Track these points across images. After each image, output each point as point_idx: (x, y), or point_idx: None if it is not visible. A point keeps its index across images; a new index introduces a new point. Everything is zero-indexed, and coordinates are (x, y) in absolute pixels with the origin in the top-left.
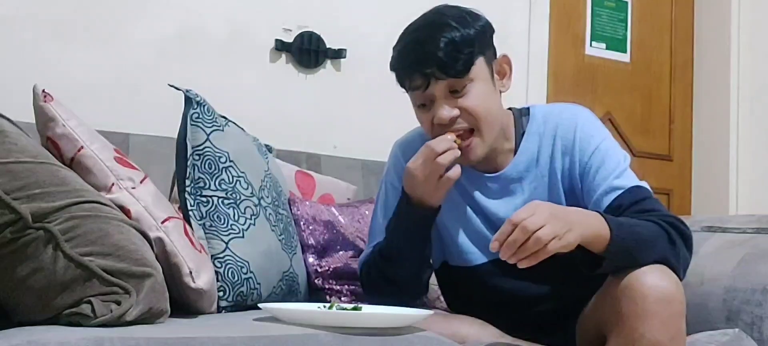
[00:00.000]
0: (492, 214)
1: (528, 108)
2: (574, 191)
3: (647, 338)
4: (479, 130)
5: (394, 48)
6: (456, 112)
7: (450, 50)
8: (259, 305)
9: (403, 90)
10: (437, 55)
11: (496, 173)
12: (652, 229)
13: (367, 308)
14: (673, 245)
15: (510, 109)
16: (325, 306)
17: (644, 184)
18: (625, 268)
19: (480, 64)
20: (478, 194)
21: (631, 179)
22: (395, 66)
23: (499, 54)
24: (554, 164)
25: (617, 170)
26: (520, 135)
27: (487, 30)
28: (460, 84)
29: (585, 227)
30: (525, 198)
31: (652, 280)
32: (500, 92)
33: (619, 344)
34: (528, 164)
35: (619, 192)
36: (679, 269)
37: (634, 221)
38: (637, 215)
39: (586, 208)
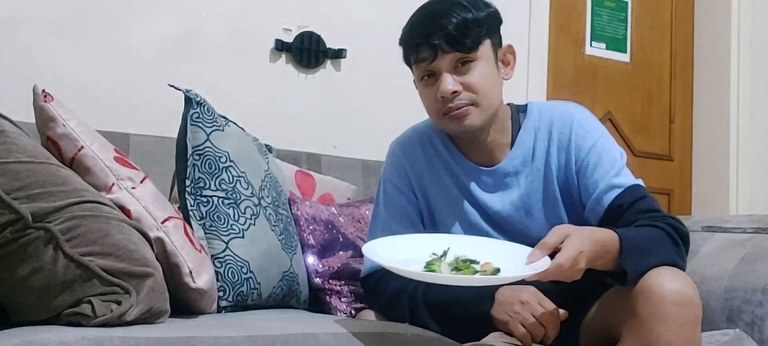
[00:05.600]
0: (488, 207)
1: (526, 104)
2: (569, 187)
3: (664, 339)
4: (478, 104)
5: (404, 27)
6: (459, 86)
7: (460, 27)
8: (363, 248)
9: (408, 68)
10: (447, 29)
11: (492, 167)
12: (658, 235)
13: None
14: (677, 246)
15: (508, 104)
16: (441, 258)
17: (640, 182)
18: (640, 274)
19: (487, 46)
20: (474, 187)
21: (628, 177)
22: (405, 38)
23: (504, 43)
24: (550, 160)
25: (616, 168)
26: (516, 130)
27: (497, 17)
28: (465, 59)
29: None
30: (520, 192)
31: (671, 283)
32: (502, 80)
33: (633, 345)
34: (524, 159)
35: (619, 190)
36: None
37: (639, 230)
38: (639, 215)
39: (583, 205)
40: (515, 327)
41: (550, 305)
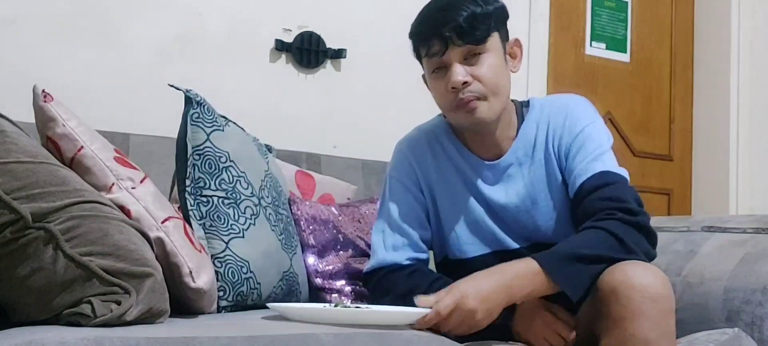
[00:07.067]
0: (493, 202)
1: (528, 100)
2: (564, 172)
3: (638, 337)
4: (488, 96)
5: (414, 21)
6: (469, 77)
7: (470, 20)
8: (268, 304)
9: (418, 61)
10: (458, 22)
11: (496, 160)
12: (596, 238)
13: (370, 307)
14: (621, 243)
15: (512, 101)
16: (331, 305)
17: (614, 169)
18: (582, 288)
19: (495, 39)
20: (479, 182)
21: (604, 163)
22: (415, 32)
23: (511, 38)
24: (548, 148)
25: (594, 154)
26: (521, 124)
27: (504, 11)
28: (475, 51)
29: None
30: (525, 182)
31: (639, 279)
32: (510, 73)
33: (610, 344)
34: (526, 150)
35: (585, 178)
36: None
37: (575, 239)
38: (599, 202)
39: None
40: (535, 338)
41: (567, 316)
